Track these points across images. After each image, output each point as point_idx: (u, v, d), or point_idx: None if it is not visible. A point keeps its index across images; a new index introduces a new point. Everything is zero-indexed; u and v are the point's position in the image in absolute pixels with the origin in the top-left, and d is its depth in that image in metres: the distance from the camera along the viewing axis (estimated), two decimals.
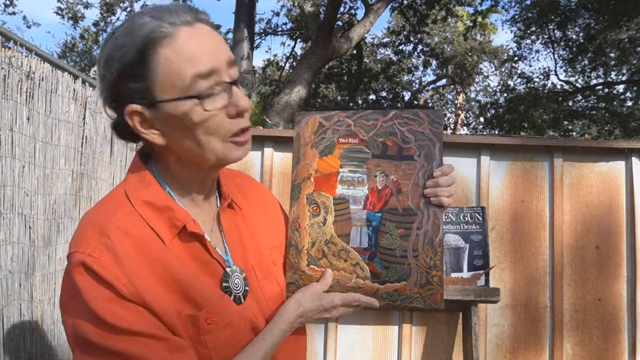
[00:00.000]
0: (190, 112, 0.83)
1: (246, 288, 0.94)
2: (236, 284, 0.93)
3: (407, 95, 17.27)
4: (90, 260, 0.80)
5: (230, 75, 0.86)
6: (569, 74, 14.57)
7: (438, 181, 1.01)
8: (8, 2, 11.52)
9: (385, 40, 15.69)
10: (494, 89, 17.43)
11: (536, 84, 14.93)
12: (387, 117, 1.07)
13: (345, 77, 13.19)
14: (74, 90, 3.00)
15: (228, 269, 0.93)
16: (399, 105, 15.96)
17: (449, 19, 11.91)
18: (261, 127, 3.77)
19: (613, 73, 13.96)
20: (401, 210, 1.03)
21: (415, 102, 16.68)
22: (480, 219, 2.45)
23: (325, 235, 1.05)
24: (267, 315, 0.98)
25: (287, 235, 1.08)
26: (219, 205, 0.99)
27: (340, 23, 9.84)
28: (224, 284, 0.91)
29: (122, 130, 0.90)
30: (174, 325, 0.83)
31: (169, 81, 0.82)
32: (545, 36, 13.27)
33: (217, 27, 0.92)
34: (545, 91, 14.60)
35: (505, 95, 15.81)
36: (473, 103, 18.65)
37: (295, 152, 1.10)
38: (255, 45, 10.86)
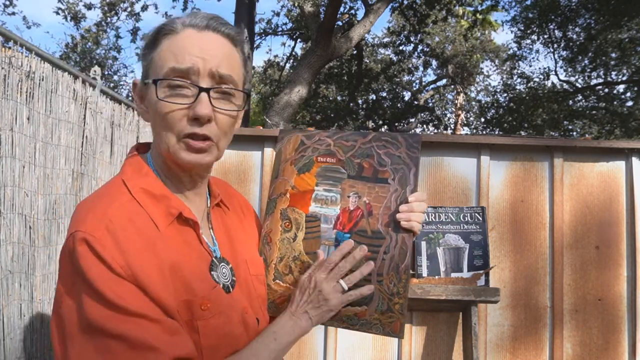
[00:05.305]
0: (153, 99, 0.90)
1: (233, 278, 0.97)
2: (224, 273, 0.95)
3: (407, 96, 17.26)
4: (91, 239, 0.81)
5: (209, 84, 0.89)
6: (569, 74, 14.56)
7: (412, 206, 1.03)
8: (8, 3, 11.49)
9: (385, 40, 15.67)
10: (495, 88, 17.41)
11: (536, 84, 14.92)
12: (366, 139, 1.09)
13: (345, 77, 13.16)
14: (74, 90, 3.00)
15: (215, 258, 0.95)
16: (398, 105, 15.95)
17: (450, 19, 11.88)
18: (261, 127, 3.77)
19: (613, 73, 13.94)
20: (370, 233, 1.04)
21: (416, 102, 16.66)
22: (480, 219, 2.45)
23: (294, 251, 1.06)
24: (258, 312, 0.99)
25: (259, 247, 1.09)
26: (208, 204, 1.02)
27: (340, 23, 9.84)
28: (212, 272, 0.93)
29: None
30: (170, 309, 0.84)
31: (158, 67, 0.91)
32: (546, 36, 13.26)
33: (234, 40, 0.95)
34: (546, 91, 14.58)
35: (506, 95, 15.79)
36: (473, 103, 18.63)
37: (275, 168, 1.12)
38: (255, 45, 10.86)
